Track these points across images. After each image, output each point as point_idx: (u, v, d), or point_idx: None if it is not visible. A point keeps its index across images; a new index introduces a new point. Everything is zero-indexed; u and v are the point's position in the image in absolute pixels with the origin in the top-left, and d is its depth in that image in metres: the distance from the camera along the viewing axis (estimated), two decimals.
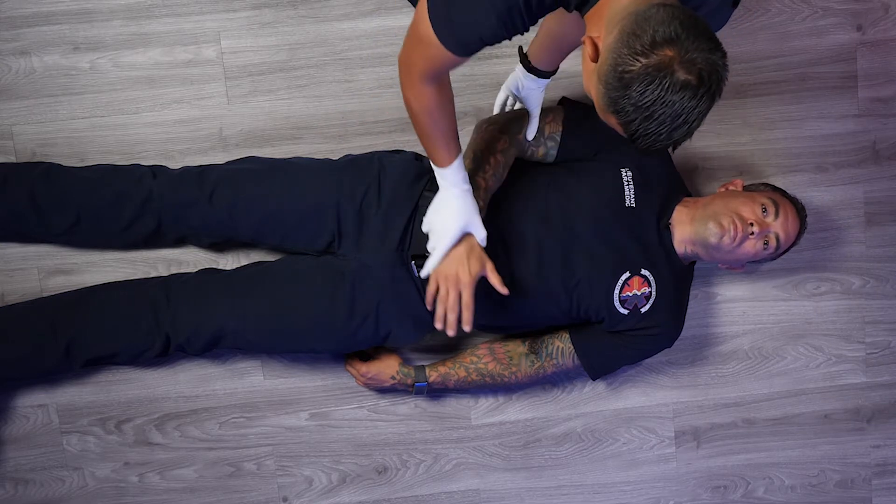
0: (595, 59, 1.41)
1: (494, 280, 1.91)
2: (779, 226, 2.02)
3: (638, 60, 1.34)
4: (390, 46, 2.20)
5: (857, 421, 2.41)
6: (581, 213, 2.04)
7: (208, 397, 2.27)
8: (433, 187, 2.06)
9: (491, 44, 1.56)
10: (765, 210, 2.02)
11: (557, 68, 1.98)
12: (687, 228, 2.06)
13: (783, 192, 2.11)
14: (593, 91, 1.43)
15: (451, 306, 1.89)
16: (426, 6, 1.56)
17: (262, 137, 2.21)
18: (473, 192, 1.91)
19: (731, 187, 2.12)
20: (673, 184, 2.12)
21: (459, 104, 2.22)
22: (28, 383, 2.23)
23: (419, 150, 2.19)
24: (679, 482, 2.39)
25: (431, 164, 1.86)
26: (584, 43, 1.44)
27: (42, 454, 2.27)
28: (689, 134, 1.38)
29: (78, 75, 2.16)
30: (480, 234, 1.89)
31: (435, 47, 1.58)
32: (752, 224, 2.00)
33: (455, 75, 2.21)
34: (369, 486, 2.34)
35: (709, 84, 1.35)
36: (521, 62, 1.97)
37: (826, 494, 2.43)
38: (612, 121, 1.41)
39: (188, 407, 2.27)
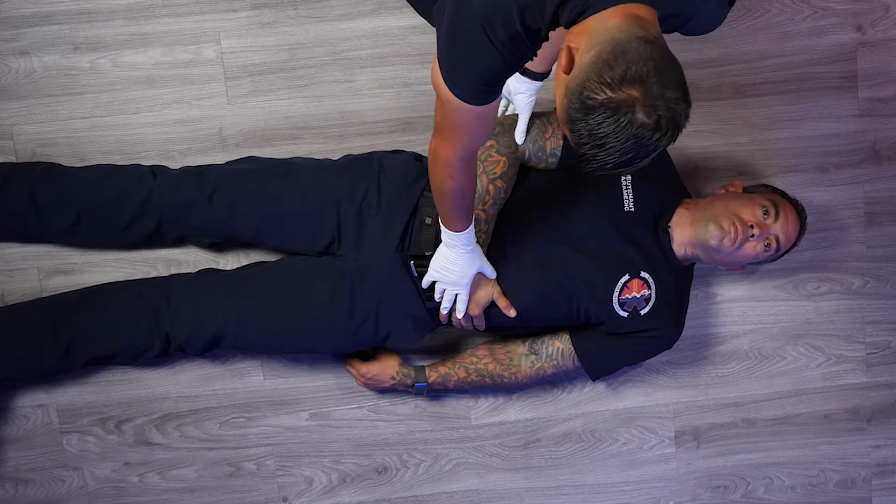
0: (568, 70, 1.40)
1: (502, 304, 2.04)
2: (779, 228, 2.02)
3: (604, 91, 1.33)
4: (390, 46, 2.20)
5: (857, 421, 2.41)
6: (580, 216, 2.04)
7: (208, 397, 2.27)
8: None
9: (502, 78, 1.53)
10: (765, 212, 2.01)
11: (550, 70, 1.98)
12: (687, 230, 2.05)
13: (783, 194, 2.10)
14: (558, 100, 1.42)
15: (465, 325, 2.09)
16: (439, 71, 1.54)
17: (262, 137, 2.21)
18: (476, 226, 1.96)
19: (730, 189, 2.12)
20: (673, 187, 2.12)
21: None
22: (28, 383, 2.23)
23: (419, 150, 2.19)
24: (679, 482, 2.39)
25: (441, 224, 1.91)
26: (561, 51, 1.42)
27: (42, 454, 2.26)
28: (627, 165, 1.39)
29: (78, 75, 2.16)
30: (491, 275, 2.02)
31: (459, 110, 1.55)
32: (752, 226, 1.99)
33: None
34: (369, 486, 2.34)
35: (665, 130, 1.35)
36: None
37: (826, 494, 2.43)
38: (567, 134, 1.41)
39: (188, 407, 2.27)
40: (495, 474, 2.36)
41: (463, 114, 1.57)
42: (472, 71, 1.51)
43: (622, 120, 1.33)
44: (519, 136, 2.03)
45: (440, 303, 2.05)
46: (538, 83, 1.98)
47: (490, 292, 2.03)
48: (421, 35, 2.20)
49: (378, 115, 2.22)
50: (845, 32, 2.26)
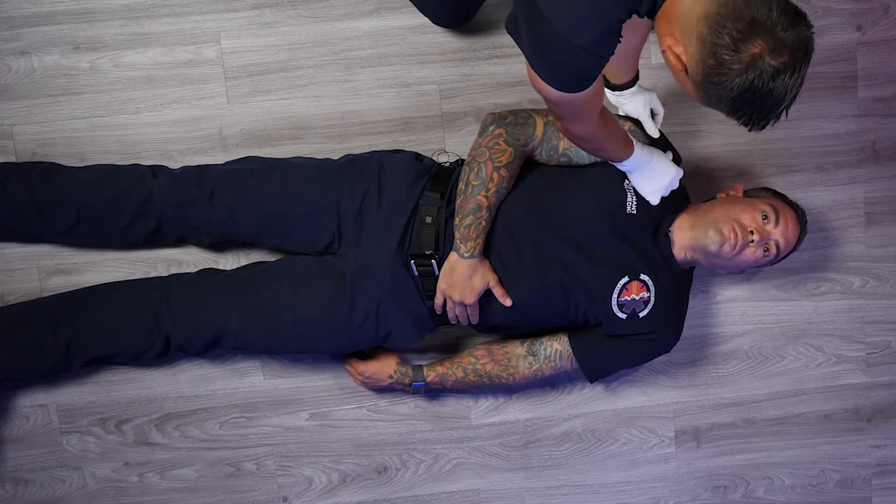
0: (683, 68, 1.45)
1: (498, 293, 2.03)
2: (779, 233, 2.01)
3: (731, 69, 1.38)
4: (390, 46, 2.20)
5: (857, 421, 2.41)
6: (582, 216, 2.03)
7: (208, 397, 2.27)
8: (433, 187, 2.06)
9: (601, 67, 1.58)
10: (765, 217, 2.00)
11: (636, 76, 2.01)
12: (687, 235, 2.04)
13: (784, 198, 2.09)
14: (693, 94, 1.48)
15: (460, 315, 2.07)
16: (537, 77, 1.58)
17: (262, 137, 2.21)
18: (477, 211, 1.97)
19: (731, 192, 2.11)
20: (678, 195, 2.10)
21: (459, 104, 2.23)
22: (28, 383, 2.23)
23: (419, 149, 2.19)
24: (679, 482, 2.39)
25: (615, 162, 1.98)
26: (664, 52, 1.47)
27: (42, 454, 2.27)
28: (795, 97, 1.43)
29: (78, 75, 2.16)
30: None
31: (574, 100, 1.61)
32: (752, 232, 1.98)
33: (455, 75, 2.22)
34: (369, 486, 2.34)
35: (803, 54, 1.39)
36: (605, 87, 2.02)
37: (826, 494, 2.43)
38: (725, 114, 1.47)
39: (188, 407, 2.27)
40: (495, 474, 2.36)
41: (579, 100, 1.62)
42: (573, 70, 1.54)
43: (763, 77, 1.38)
44: (654, 132, 2.07)
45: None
46: (634, 88, 2.02)
47: (486, 279, 2.02)
48: (421, 35, 2.20)
49: (378, 115, 2.22)
50: (845, 32, 2.26)
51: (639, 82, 2.03)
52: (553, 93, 1.59)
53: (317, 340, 2.10)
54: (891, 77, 2.29)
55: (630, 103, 2.04)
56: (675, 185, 2.04)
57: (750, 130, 1.47)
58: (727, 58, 1.37)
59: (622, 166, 1.98)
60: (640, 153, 1.97)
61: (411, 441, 2.33)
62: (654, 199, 2.03)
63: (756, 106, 1.41)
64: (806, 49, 1.39)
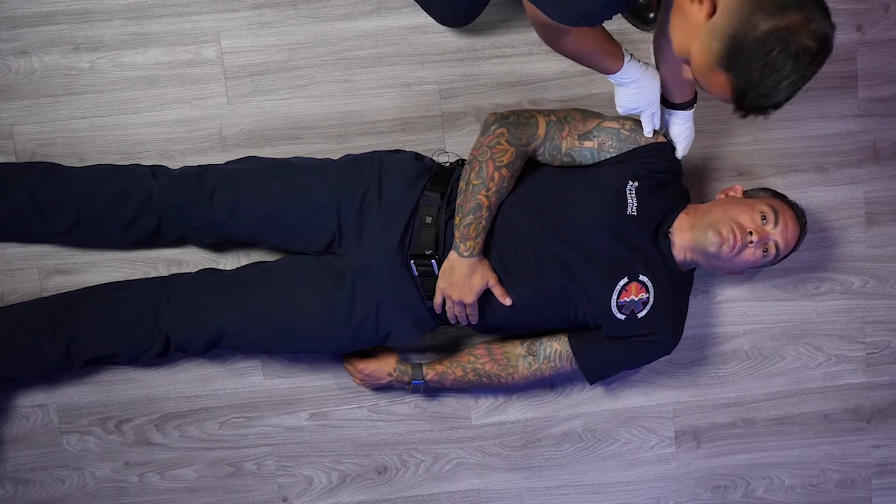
0: (711, 14, 1.43)
1: (498, 292, 2.03)
2: (778, 234, 2.00)
3: (768, 21, 1.37)
4: (390, 46, 2.20)
5: (857, 421, 2.41)
6: (582, 217, 2.03)
7: (208, 397, 2.28)
8: (433, 187, 2.06)
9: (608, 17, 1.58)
10: (764, 218, 2.00)
11: (694, 98, 2.02)
12: (686, 236, 2.04)
13: (783, 198, 2.09)
14: (701, 48, 1.45)
15: (460, 315, 2.06)
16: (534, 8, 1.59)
17: (262, 137, 2.21)
18: (477, 211, 1.96)
19: (731, 193, 2.11)
20: (677, 193, 2.10)
21: (459, 104, 2.23)
22: (28, 383, 2.23)
23: (419, 149, 2.19)
24: (679, 482, 2.40)
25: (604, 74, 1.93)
26: (692, 2, 1.45)
27: (42, 454, 2.27)
28: (791, 95, 1.41)
29: (78, 75, 2.16)
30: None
31: (570, 31, 1.62)
32: (751, 233, 1.98)
33: (455, 75, 2.22)
34: (369, 486, 2.34)
35: (824, 52, 1.40)
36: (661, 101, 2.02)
37: (826, 494, 2.43)
38: (718, 79, 1.43)
39: (188, 407, 2.27)
40: (495, 474, 2.36)
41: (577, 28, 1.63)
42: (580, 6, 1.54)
43: (791, 46, 1.36)
44: (679, 155, 2.08)
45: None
46: (688, 111, 2.03)
47: (486, 279, 2.01)
48: (421, 35, 2.20)
49: (378, 115, 2.22)
50: (845, 32, 2.26)
51: (695, 107, 2.03)
52: (548, 20, 1.59)
53: (317, 340, 2.10)
54: (891, 77, 2.29)
55: (679, 125, 2.04)
56: (656, 122, 2.01)
57: (738, 101, 1.44)
58: (769, 9, 1.37)
59: (610, 78, 1.95)
60: (630, 68, 1.93)
61: (411, 441, 2.33)
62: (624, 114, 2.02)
63: (768, 73, 1.40)
64: (828, 48, 1.40)
